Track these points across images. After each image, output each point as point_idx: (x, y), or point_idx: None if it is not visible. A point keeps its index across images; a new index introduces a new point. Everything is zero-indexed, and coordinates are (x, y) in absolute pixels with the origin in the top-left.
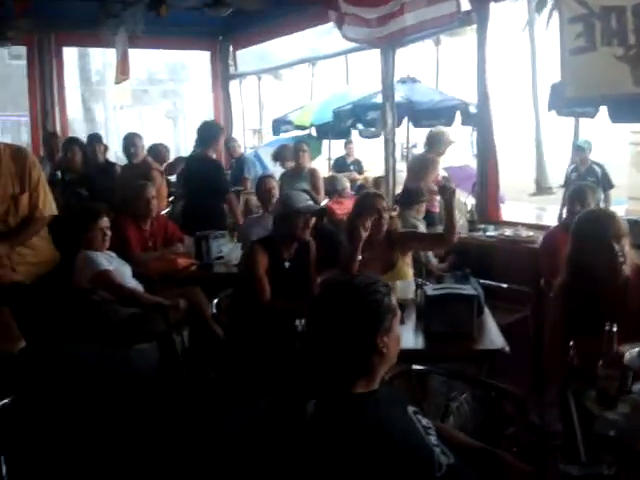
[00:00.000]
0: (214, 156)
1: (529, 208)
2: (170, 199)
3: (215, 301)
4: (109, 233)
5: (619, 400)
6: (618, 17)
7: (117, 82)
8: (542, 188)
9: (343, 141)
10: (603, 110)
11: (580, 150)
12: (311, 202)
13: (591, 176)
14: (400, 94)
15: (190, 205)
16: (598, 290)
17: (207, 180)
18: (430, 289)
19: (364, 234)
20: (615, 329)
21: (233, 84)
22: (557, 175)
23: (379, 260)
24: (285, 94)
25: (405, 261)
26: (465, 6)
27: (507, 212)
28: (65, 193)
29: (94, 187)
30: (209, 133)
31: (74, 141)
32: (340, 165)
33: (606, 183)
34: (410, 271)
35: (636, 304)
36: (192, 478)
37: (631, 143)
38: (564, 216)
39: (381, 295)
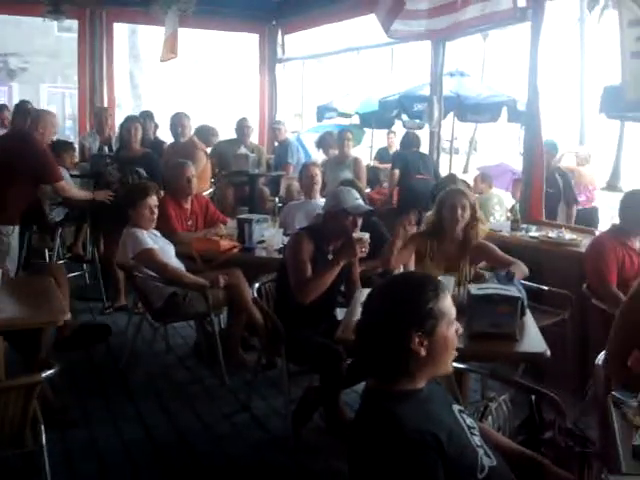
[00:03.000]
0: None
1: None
2: (212, 180)
3: (256, 285)
4: (157, 212)
5: None
6: None
7: (163, 60)
8: None
9: (385, 131)
10: None
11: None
12: (360, 201)
13: (552, 187)
14: (448, 87)
15: None
16: None
17: None
18: (474, 288)
19: (403, 232)
20: None
21: (278, 68)
22: (599, 177)
23: (445, 258)
24: (328, 80)
25: (470, 269)
26: (521, 2)
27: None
28: (123, 171)
29: (153, 166)
30: None
31: (136, 119)
32: (382, 156)
33: (570, 197)
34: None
35: None
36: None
37: None
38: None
39: (426, 296)
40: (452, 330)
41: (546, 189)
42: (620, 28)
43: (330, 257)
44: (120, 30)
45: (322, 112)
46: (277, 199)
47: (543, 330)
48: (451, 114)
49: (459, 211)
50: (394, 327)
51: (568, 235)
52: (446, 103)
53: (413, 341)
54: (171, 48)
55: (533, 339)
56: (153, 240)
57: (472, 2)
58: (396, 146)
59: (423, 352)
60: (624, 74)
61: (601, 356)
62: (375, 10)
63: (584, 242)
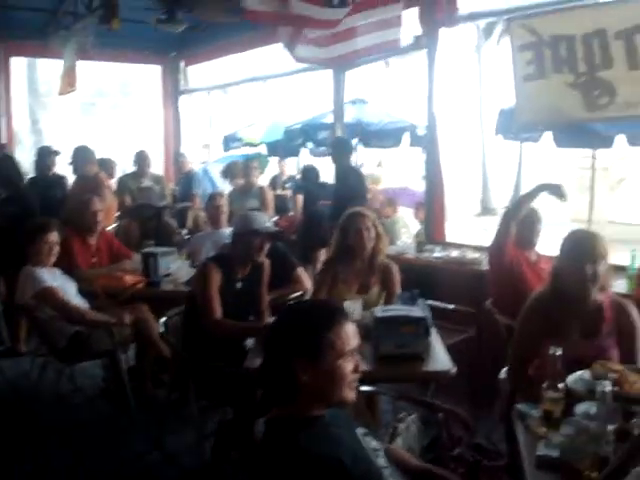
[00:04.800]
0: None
1: (474, 228)
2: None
3: (163, 319)
4: (56, 248)
5: (563, 422)
6: (568, 46)
7: (62, 93)
8: (487, 209)
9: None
10: (547, 135)
11: None
12: (269, 224)
13: None
14: (350, 115)
15: None
16: (571, 309)
17: None
18: (379, 310)
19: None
20: (560, 353)
21: (183, 99)
22: (501, 196)
23: (357, 280)
24: (235, 110)
25: (381, 289)
26: (416, 31)
27: (453, 232)
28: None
29: (29, 202)
30: None
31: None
32: (274, 183)
33: None
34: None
35: (608, 331)
36: None
37: (578, 167)
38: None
39: (316, 324)
40: (345, 361)
41: None
42: (512, 53)
43: (239, 285)
44: (18, 64)
45: (228, 142)
46: (184, 231)
47: (451, 348)
48: (355, 141)
49: (365, 234)
50: (281, 354)
51: (470, 254)
52: (349, 130)
53: (298, 369)
54: (70, 81)
55: (439, 358)
56: (52, 278)
57: (363, 33)
58: (288, 173)
59: (308, 380)
60: (516, 97)
61: (505, 370)
62: (278, 37)
63: (485, 260)
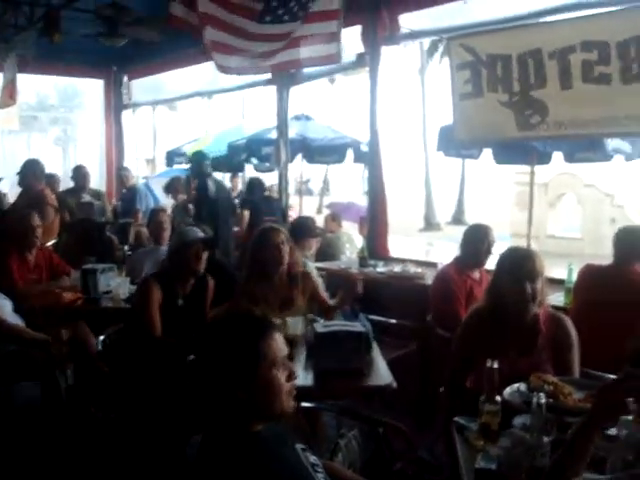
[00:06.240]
0: None
1: (418, 244)
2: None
3: (102, 337)
4: None
5: (501, 434)
6: (504, 65)
7: (2, 106)
8: (430, 224)
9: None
10: (488, 152)
11: None
12: (202, 234)
13: None
14: (294, 130)
15: None
16: (508, 325)
17: None
18: (320, 326)
19: None
20: (496, 366)
21: (127, 113)
22: (444, 212)
23: (278, 296)
24: (180, 125)
25: (305, 301)
26: (359, 48)
27: (397, 247)
28: None
29: None
30: None
31: None
32: None
33: None
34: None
35: (543, 344)
36: None
37: (516, 183)
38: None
39: (247, 337)
40: (279, 371)
41: None
42: (451, 71)
43: (180, 302)
44: None
45: (172, 157)
46: (126, 247)
47: (394, 362)
48: (299, 156)
49: (282, 248)
50: (213, 371)
51: (413, 269)
52: (293, 146)
53: (232, 384)
54: (10, 94)
55: (380, 372)
56: None
57: (304, 43)
58: (240, 188)
59: (244, 394)
60: (454, 115)
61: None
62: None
63: (428, 274)
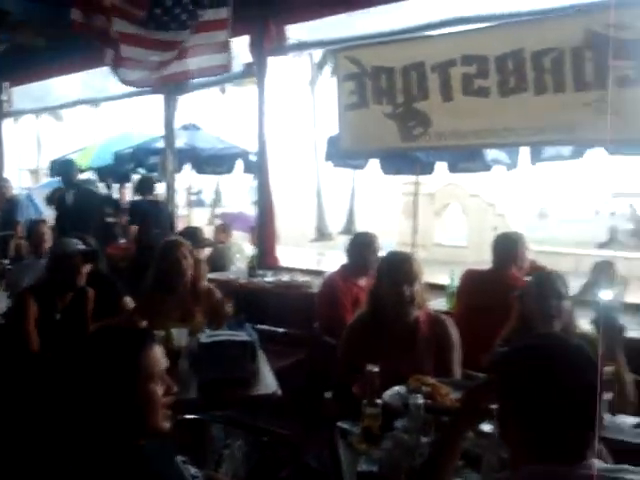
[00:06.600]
0: None
1: (310, 253)
2: None
3: None
4: None
5: (383, 437)
6: (388, 77)
7: None
8: (322, 234)
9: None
10: (375, 162)
11: None
12: (83, 246)
13: None
14: (183, 140)
15: None
16: (388, 327)
17: None
18: (204, 336)
19: None
20: (376, 369)
21: (7, 122)
22: (336, 222)
23: (179, 310)
24: (67, 135)
25: (207, 316)
26: (247, 58)
27: (288, 258)
28: None
29: None
30: None
31: None
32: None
33: None
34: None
35: (423, 346)
36: None
37: (403, 193)
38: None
39: (124, 350)
40: (156, 385)
41: None
42: (337, 82)
43: (58, 316)
44: None
45: (55, 167)
46: (6, 260)
47: (282, 371)
48: (188, 166)
49: (184, 262)
50: (90, 385)
51: (301, 278)
52: (181, 155)
53: (109, 397)
54: None
55: (266, 381)
56: None
57: (195, 54)
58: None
59: (123, 408)
60: (340, 125)
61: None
62: (104, 58)
63: (316, 283)
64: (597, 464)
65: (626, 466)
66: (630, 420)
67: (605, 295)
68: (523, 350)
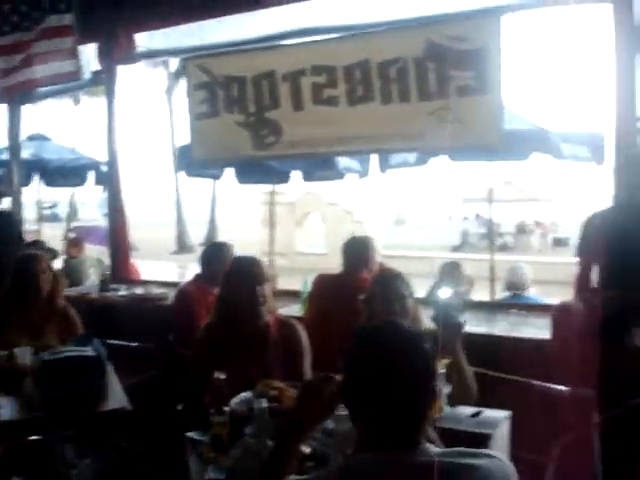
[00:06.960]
0: None
1: (171, 266)
2: None
3: None
4: None
5: (232, 445)
6: (239, 86)
7: None
8: (184, 246)
9: None
10: (232, 172)
11: None
12: None
13: None
14: (29, 151)
15: None
16: (240, 332)
17: None
18: (47, 354)
19: None
20: (223, 376)
21: None
22: (198, 233)
23: (31, 326)
24: None
25: (59, 335)
26: (95, 66)
27: (149, 271)
28: None
29: None
30: None
31: None
32: None
33: None
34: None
35: (273, 350)
36: None
37: (262, 202)
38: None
39: None
40: None
41: None
42: (188, 92)
43: None
44: None
45: None
46: None
47: (136, 386)
48: (36, 179)
49: (42, 277)
50: None
51: (155, 290)
52: (27, 167)
53: None
54: None
55: (114, 395)
56: None
57: (38, 63)
58: None
59: None
60: (191, 134)
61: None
62: None
63: (171, 295)
64: (432, 448)
65: (461, 448)
66: (468, 410)
67: (444, 293)
68: (355, 341)
